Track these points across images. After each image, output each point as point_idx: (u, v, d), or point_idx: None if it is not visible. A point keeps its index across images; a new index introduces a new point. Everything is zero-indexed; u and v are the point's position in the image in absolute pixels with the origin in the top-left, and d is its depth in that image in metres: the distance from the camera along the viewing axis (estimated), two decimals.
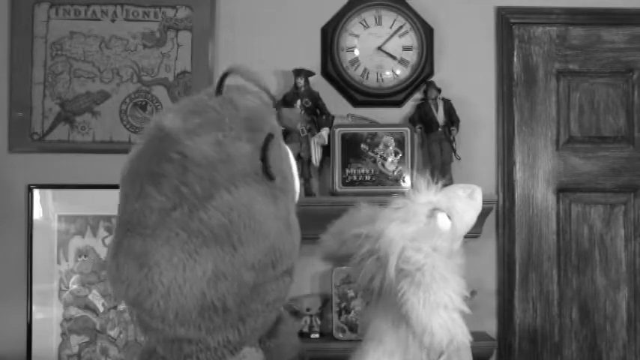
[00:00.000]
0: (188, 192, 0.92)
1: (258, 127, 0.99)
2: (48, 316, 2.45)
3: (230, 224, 0.93)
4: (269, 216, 0.97)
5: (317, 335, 2.41)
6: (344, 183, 2.44)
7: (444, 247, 1.18)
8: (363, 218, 1.27)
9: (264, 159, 0.96)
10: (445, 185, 1.29)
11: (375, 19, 2.54)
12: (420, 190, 1.25)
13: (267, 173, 0.96)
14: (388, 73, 2.53)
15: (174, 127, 0.95)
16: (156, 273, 0.92)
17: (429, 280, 1.13)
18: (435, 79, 2.54)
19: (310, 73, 2.46)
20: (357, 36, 2.54)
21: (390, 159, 2.45)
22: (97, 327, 2.46)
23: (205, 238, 0.92)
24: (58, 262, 2.46)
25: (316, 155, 2.44)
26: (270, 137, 0.97)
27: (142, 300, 0.94)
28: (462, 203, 1.25)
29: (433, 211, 1.22)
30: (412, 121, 2.51)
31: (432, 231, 1.19)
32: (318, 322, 2.43)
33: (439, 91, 2.48)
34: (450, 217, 1.22)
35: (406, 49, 2.54)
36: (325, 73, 2.54)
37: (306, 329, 2.42)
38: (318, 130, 2.43)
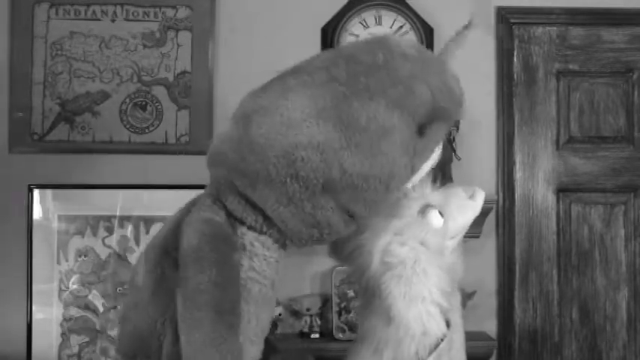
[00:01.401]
0: None
1: (451, 100, 1.17)
2: (48, 316, 2.45)
3: None
4: (387, 153, 1.05)
5: (317, 335, 2.41)
6: None
7: (433, 243, 1.19)
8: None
9: (432, 118, 1.09)
10: (445, 185, 1.30)
11: (375, 19, 2.54)
12: (416, 187, 1.25)
13: (421, 127, 1.08)
14: None
15: None
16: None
17: (409, 273, 1.15)
18: None
19: None
20: (357, 36, 2.53)
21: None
22: (97, 327, 2.46)
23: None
24: (58, 262, 2.46)
25: None
26: (449, 116, 1.15)
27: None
28: (460, 202, 1.25)
29: (425, 207, 1.22)
30: None
31: (421, 226, 1.20)
32: (318, 322, 2.43)
33: None
34: (442, 215, 1.22)
35: None
36: None
37: (306, 329, 2.42)
38: None
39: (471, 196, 1.27)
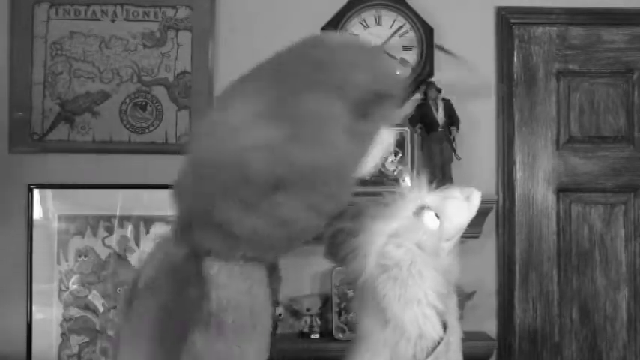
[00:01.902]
0: None
1: (390, 82, 1.13)
2: (48, 316, 2.45)
3: None
4: (334, 140, 1.05)
5: (317, 335, 2.41)
6: None
7: (429, 245, 1.19)
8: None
9: (374, 101, 1.08)
10: (444, 185, 1.30)
11: (375, 19, 2.54)
12: (412, 189, 1.26)
13: (365, 110, 1.08)
14: None
15: None
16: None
17: (405, 275, 1.14)
18: (435, 79, 2.54)
19: None
20: (357, 36, 2.53)
21: (390, 159, 2.45)
22: (97, 327, 2.46)
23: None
24: (58, 262, 2.46)
25: None
26: (391, 96, 1.12)
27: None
28: (456, 204, 1.25)
29: (421, 209, 1.22)
30: (412, 121, 2.50)
31: (417, 228, 1.20)
32: (318, 322, 2.43)
33: (439, 91, 2.48)
34: (438, 217, 1.22)
35: (406, 49, 2.54)
36: None
37: (306, 329, 2.42)
38: None
39: (468, 198, 1.26)
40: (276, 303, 1.31)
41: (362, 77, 1.08)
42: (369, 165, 1.14)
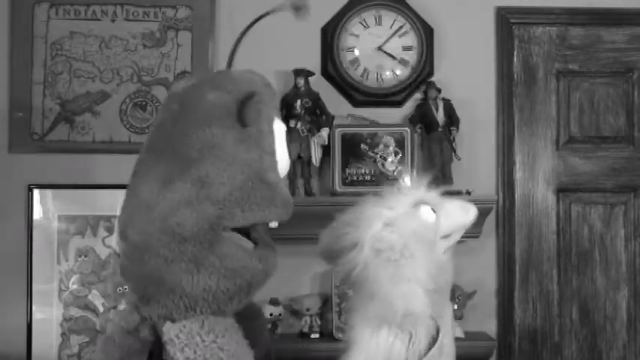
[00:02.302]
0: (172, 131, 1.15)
1: (242, 85, 1.18)
2: (48, 316, 2.45)
3: (200, 158, 1.10)
4: (237, 159, 1.11)
5: (317, 335, 2.41)
6: (344, 183, 2.44)
7: (424, 235, 1.20)
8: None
9: (240, 108, 1.13)
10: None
11: (375, 19, 2.54)
12: (412, 185, 1.27)
13: (241, 119, 1.12)
14: (388, 73, 2.53)
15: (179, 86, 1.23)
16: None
17: (397, 256, 1.15)
18: (435, 79, 2.54)
19: (310, 73, 2.46)
20: (357, 36, 2.54)
21: (390, 159, 2.45)
22: (97, 327, 2.46)
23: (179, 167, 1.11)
24: (58, 262, 2.46)
25: (316, 155, 2.44)
26: (251, 94, 1.15)
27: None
28: (453, 206, 1.26)
29: (418, 202, 1.24)
30: (412, 121, 2.51)
31: (413, 218, 1.21)
32: (318, 322, 2.43)
33: (439, 91, 2.48)
34: (434, 212, 1.23)
35: (406, 49, 2.54)
36: (325, 73, 2.54)
37: (306, 329, 2.42)
38: (318, 130, 2.43)
39: (463, 207, 1.28)
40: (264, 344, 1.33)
41: (221, 97, 1.15)
42: (283, 162, 1.20)
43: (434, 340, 1.19)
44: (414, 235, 1.19)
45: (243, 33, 1.37)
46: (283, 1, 1.35)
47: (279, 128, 1.21)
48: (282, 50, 2.54)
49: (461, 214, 1.27)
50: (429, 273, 1.17)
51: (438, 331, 1.20)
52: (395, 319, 1.16)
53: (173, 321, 1.10)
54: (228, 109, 1.13)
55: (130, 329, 1.13)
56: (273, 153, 1.17)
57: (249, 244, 1.14)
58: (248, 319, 1.20)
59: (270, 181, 1.14)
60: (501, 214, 2.56)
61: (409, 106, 2.56)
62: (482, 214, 2.40)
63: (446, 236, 1.26)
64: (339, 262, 1.23)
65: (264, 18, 2.47)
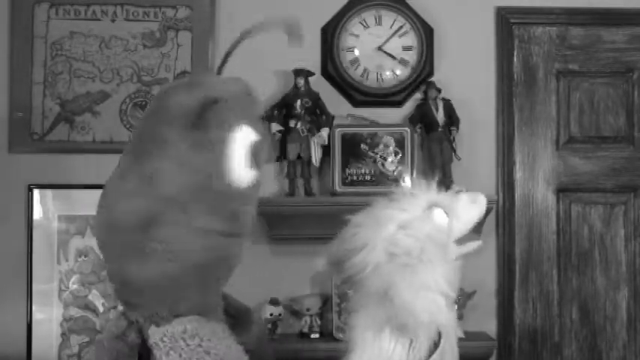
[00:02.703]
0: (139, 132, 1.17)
1: (211, 91, 1.17)
2: (48, 316, 2.45)
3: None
4: (189, 162, 1.11)
5: (317, 335, 2.41)
6: (344, 183, 2.44)
7: (438, 239, 1.19)
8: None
9: (200, 112, 1.13)
10: (447, 187, 1.31)
11: (375, 19, 2.54)
12: (422, 187, 1.26)
13: (199, 124, 1.13)
14: (388, 73, 2.53)
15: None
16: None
17: (415, 262, 1.14)
18: (435, 79, 2.54)
19: (310, 73, 2.46)
20: (357, 36, 2.53)
21: (390, 159, 2.45)
22: (97, 327, 2.46)
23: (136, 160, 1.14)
24: (58, 262, 2.46)
25: (316, 155, 2.44)
26: (215, 100, 1.14)
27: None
28: (464, 205, 1.25)
29: (431, 205, 1.22)
30: (412, 121, 2.51)
31: (427, 221, 1.20)
32: (318, 322, 2.43)
33: (439, 91, 2.48)
34: (447, 215, 1.22)
35: (406, 49, 2.54)
36: (325, 73, 2.54)
37: (306, 329, 2.42)
38: (318, 130, 2.43)
39: (474, 200, 1.27)
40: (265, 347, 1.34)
41: (180, 98, 1.15)
42: (244, 173, 1.18)
43: (435, 346, 1.18)
44: (429, 239, 1.17)
45: (228, 54, 1.37)
46: (269, 20, 1.34)
47: (247, 138, 1.18)
48: (282, 50, 2.53)
49: (471, 213, 1.26)
50: (449, 280, 1.16)
51: (439, 337, 1.19)
52: (417, 329, 1.14)
53: (158, 324, 1.10)
54: (190, 112, 1.13)
55: (119, 334, 1.14)
56: (229, 162, 1.15)
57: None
58: (243, 326, 1.21)
59: (219, 190, 1.13)
60: (501, 214, 2.55)
61: (409, 106, 2.56)
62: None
63: (459, 240, 1.25)
64: (347, 264, 1.21)
65: (265, 18, 2.46)
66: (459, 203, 1.25)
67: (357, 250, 1.19)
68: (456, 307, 2.37)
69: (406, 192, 1.26)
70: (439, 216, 1.22)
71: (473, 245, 1.26)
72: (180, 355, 1.08)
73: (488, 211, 2.40)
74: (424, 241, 1.16)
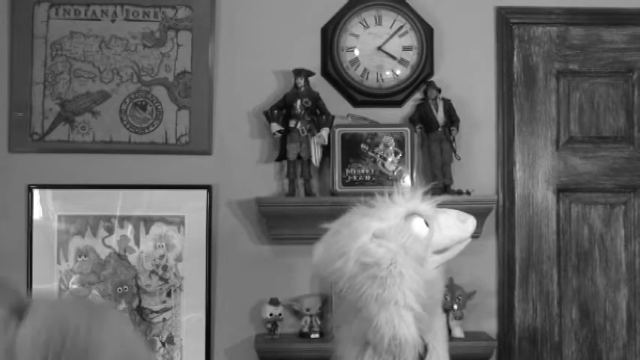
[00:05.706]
0: None
1: None
2: None
3: None
4: None
5: (317, 335, 2.41)
6: (344, 183, 2.44)
7: (413, 250, 1.17)
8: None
9: None
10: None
11: (375, 19, 2.54)
12: (406, 194, 1.24)
13: None
14: (388, 73, 2.53)
15: None
16: None
17: (384, 274, 1.12)
18: (435, 79, 2.54)
19: (310, 73, 2.46)
20: (357, 36, 2.54)
21: (390, 159, 2.45)
22: None
23: None
24: (58, 262, 2.46)
25: (316, 155, 2.44)
26: None
27: None
28: (450, 219, 1.23)
29: (411, 214, 1.20)
30: (412, 121, 2.51)
31: (404, 231, 1.18)
32: (318, 322, 2.43)
33: (439, 91, 2.48)
34: (427, 225, 1.20)
35: (406, 49, 2.54)
36: (325, 73, 2.54)
37: (306, 329, 2.42)
38: (318, 130, 2.43)
39: (463, 220, 1.25)
40: None
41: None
42: None
43: (421, 359, 1.17)
44: (403, 250, 1.15)
45: None
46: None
47: None
48: (282, 50, 2.54)
49: (457, 227, 1.24)
50: (418, 294, 1.14)
51: (425, 349, 1.18)
52: (381, 343, 1.13)
53: None
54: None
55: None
56: None
57: None
58: None
59: None
60: (501, 214, 2.55)
61: (409, 106, 2.56)
62: (483, 214, 2.40)
63: (439, 251, 1.23)
64: (330, 273, 1.20)
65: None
66: (446, 216, 1.23)
67: (335, 259, 1.19)
68: (456, 306, 2.37)
69: (386, 200, 1.24)
70: (419, 225, 1.20)
71: (455, 251, 1.24)
72: None
73: (488, 211, 2.42)
74: (396, 252, 1.15)
